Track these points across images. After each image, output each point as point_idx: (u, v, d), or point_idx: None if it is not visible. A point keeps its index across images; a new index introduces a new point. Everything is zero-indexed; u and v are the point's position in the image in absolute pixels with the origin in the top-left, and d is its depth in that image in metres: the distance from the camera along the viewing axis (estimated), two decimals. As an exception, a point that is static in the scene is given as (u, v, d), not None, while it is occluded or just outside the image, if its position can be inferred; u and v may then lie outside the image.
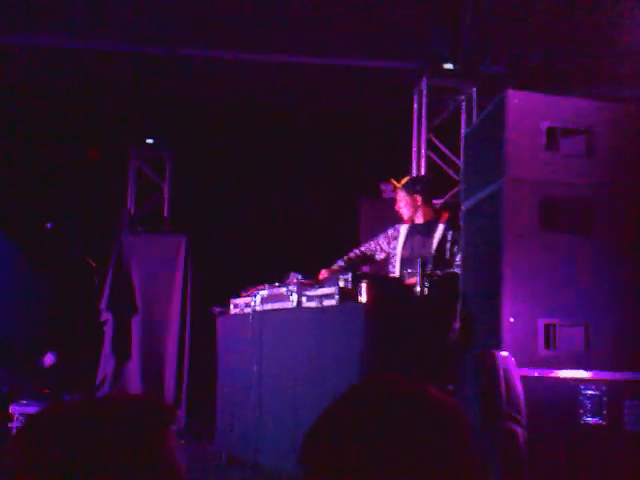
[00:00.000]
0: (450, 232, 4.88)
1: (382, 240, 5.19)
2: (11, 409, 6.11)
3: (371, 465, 0.90)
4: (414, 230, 5.03)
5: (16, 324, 7.28)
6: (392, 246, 5.11)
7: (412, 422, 0.93)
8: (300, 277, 4.96)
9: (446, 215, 5.05)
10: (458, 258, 4.65)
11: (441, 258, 4.79)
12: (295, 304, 4.76)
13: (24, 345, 7.03)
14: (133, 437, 0.98)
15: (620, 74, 6.46)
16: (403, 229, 5.11)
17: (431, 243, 4.91)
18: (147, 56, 6.90)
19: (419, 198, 5.01)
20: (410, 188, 5.02)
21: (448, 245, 4.87)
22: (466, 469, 0.94)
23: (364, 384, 1.05)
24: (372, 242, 5.27)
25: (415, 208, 5.01)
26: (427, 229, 4.97)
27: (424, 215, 5.02)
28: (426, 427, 0.93)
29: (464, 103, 6.66)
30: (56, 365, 6.86)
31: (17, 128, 7.60)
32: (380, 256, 5.19)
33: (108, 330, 6.92)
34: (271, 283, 5.10)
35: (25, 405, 6.17)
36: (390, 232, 5.17)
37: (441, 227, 4.94)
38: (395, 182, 5.11)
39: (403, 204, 5.03)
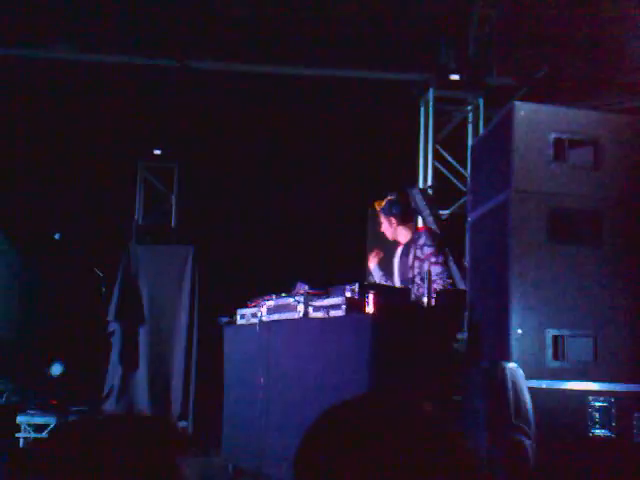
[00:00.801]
0: (417, 251, 4.99)
1: (372, 265, 5.33)
2: (18, 420, 6.12)
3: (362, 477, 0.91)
4: (403, 251, 5.20)
5: (24, 335, 7.30)
6: (379, 274, 5.29)
7: (404, 438, 0.94)
8: (307, 287, 4.96)
9: (421, 229, 5.22)
10: (432, 272, 4.68)
11: (401, 289, 4.78)
12: (302, 315, 4.75)
13: (31, 356, 7.05)
14: (148, 462, 0.99)
15: (627, 85, 6.46)
16: (397, 252, 5.27)
17: (407, 263, 5.05)
18: (155, 68, 6.95)
19: (394, 220, 5.17)
20: (386, 211, 5.18)
21: (417, 263, 4.97)
22: None
23: (359, 399, 1.05)
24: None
25: (393, 230, 5.17)
26: (407, 249, 5.11)
27: (405, 236, 5.18)
28: (417, 445, 0.93)
29: (471, 114, 6.67)
30: (63, 376, 6.87)
31: (26, 139, 7.65)
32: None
33: (115, 341, 6.93)
34: (278, 293, 5.10)
35: (32, 416, 6.18)
36: (395, 260, 5.30)
37: (412, 247, 5.05)
38: (376, 205, 5.26)
39: (384, 226, 5.21)
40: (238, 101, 7.50)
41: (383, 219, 5.18)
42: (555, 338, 3.36)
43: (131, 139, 7.73)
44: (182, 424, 6.71)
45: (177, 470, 1.03)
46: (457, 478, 0.93)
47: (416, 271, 4.92)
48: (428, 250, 4.90)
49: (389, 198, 5.16)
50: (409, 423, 0.96)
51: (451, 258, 5.00)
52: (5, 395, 6.42)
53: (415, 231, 5.21)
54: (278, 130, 7.69)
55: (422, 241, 4.97)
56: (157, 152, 7.81)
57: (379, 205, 5.20)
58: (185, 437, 1.08)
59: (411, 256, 5.00)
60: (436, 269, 4.80)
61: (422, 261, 4.91)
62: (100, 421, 1.07)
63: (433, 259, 4.88)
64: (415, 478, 0.91)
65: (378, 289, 4.33)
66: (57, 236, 6.84)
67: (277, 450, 4.81)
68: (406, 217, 5.22)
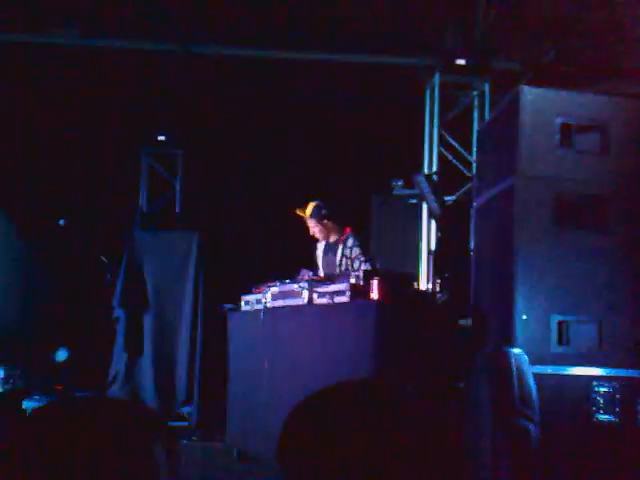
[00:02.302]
0: (348, 249, 5.25)
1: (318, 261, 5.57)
2: (24, 405, 6.16)
3: (344, 464, 0.91)
4: (327, 248, 5.44)
5: (29, 321, 7.32)
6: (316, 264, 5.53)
7: (383, 422, 0.93)
8: (311, 273, 4.96)
9: (346, 232, 5.38)
10: (356, 266, 5.07)
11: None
12: (306, 301, 4.75)
13: (37, 342, 7.08)
14: (118, 444, 0.99)
15: (634, 70, 6.40)
16: (320, 247, 5.51)
17: (335, 261, 5.29)
18: (160, 54, 6.92)
19: (328, 222, 5.39)
20: (317, 215, 5.36)
21: (345, 260, 5.23)
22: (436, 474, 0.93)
23: (341, 385, 1.05)
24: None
25: (327, 231, 5.40)
26: (334, 248, 5.36)
27: (335, 234, 5.40)
28: (399, 432, 0.93)
29: (476, 99, 6.63)
30: (69, 361, 6.90)
31: (31, 126, 7.64)
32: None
33: (120, 327, 6.95)
34: (282, 280, 5.10)
35: (38, 401, 6.21)
36: (317, 252, 5.57)
37: (340, 246, 5.30)
38: (301, 213, 5.41)
39: (317, 230, 5.39)
40: (243, 86, 7.47)
41: (314, 223, 5.37)
42: (560, 324, 3.35)
43: (135, 125, 7.71)
44: (186, 409, 6.74)
45: (149, 453, 1.01)
46: (435, 464, 0.93)
47: (343, 268, 5.22)
48: (357, 250, 5.21)
49: (315, 203, 5.38)
50: (390, 408, 0.96)
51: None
52: (11, 381, 6.46)
53: (344, 232, 5.41)
54: (283, 115, 7.66)
55: (350, 242, 5.26)
56: (161, 138, 7.79)
57: (303, 212, 5.40)
58: (158, 420, 1.07)
59: (339, 255, 5.26)
60: (366, 267, 5.05)
61: (352, 260, 5.20)
62: (71, 404, 1.06)
63: (362, 258, 5.18)
64: (393, 460, 0.91)
65: (382, 276, 4.32)
66: (62, 222, 6.84)
67: (281, 435, 4.82)
68: (336, 216, 5.46)
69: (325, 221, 5.37)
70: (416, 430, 0.93)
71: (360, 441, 0.91)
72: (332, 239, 5.42)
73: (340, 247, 5.29)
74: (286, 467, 0.96)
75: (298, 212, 5.44)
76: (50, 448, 0.97)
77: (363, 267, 5.05)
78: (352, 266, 5.18)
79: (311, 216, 5.37)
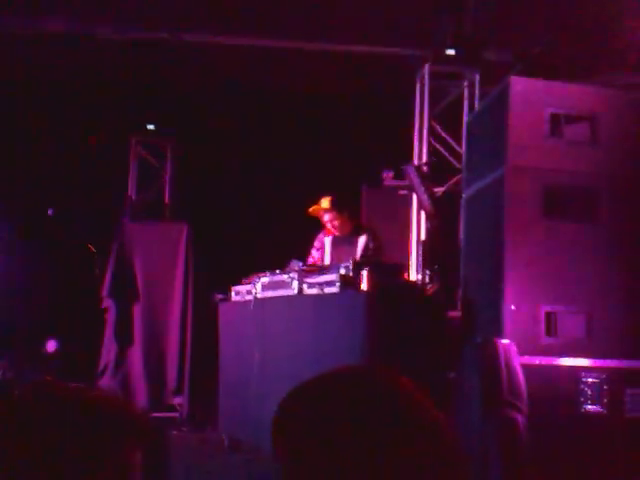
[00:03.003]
0: (371, 242, 5.30)
1: (313, 252, 5.60)
2: (14, 395, 6.13)
3: (341, 452, 0.90)
4: (338, 241, 5.45)
5: (18, 311, 7.29)
6: (317, 255, 5.55)
7: (383, 412, 0.93)
8: (301, 264, 4.96)
9: (366, 226, 5.52)
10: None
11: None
12: (296, 291, 4.76)
13: (26, 332, 7.05)
14: (97, 444, 0.95)
15: (624, 61, 6.41)
16: (327, 241, 5.50)
17: (355, 252, 5.27)
18: (149, 42, 6.86)
19: (346, 214, 5.43)
20: (338, 207, 5.39)
21: (370, 253, 5.26)
22: (436, 463, 0.93)
23: (337, 372, 1.04)
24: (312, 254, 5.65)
25: (344, 224, 5.42)
26: (350, 240, 5.38)
27: (348, 227, 5.44)
28: (397, 419, 0.92)
29: (466, 90, 6.61)
30: (58, 352, 6.88)
31: (18, 115, 7.58)
32: None
33: (110, 317, 6.93)
34: (272, 270, 5.10)
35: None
36: (316, 244, 5.60)
37: (363, 238, 5.32)
38: (317, 207, 5.44)
39: (337, 223, 5.40)
40: (232, 75, 7.43)
41: (334, 215, 5.37)
42: (548, 314, 3.37)
43: (124, 114, 7.65)
44: (177, 399, 6.74)
45: (126, 460, 0.97)
46: (428, 451, 0.92)
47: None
48: (377, 243, 5.32)
49: (332, 197, 5.41)
50: (382, 394, 0.95)
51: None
52: (1, 372, 6.43)
53: (361, 225, 5.52)
54: (272, 105, 7.62)
55: (372, 235, 5.34)
56: (150, 127, 7.73)
57: (318, 206, 5.42)
58: (142, 423, 1.02)
59: (360, 246, 5.28)
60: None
61: (372, 251, 5.26)
62: (42, 394, 1.02)
63: (379, 252, 5.26)
64: (384, 447, 0.90)
65: (372, 266, 4.33)
66: (50, 212, 6.79)
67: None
68: (350, 213, 5.53)
69: (344, 213, 5.40)
70: (415, 419, 0.93)
71: (357, 428, 0.91)
72: (345, 231, 5.43)
73: (362, 239, 5.30)
74: (281, 454, 0.95)
75: (313, 208, 5.46)
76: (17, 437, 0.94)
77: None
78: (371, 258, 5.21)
79: (332, 209, 5.38)
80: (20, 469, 0.93)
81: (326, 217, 5.43)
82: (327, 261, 5.40)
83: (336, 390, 0.96)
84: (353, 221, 5.51)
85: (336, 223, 5.40)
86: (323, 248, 5.53)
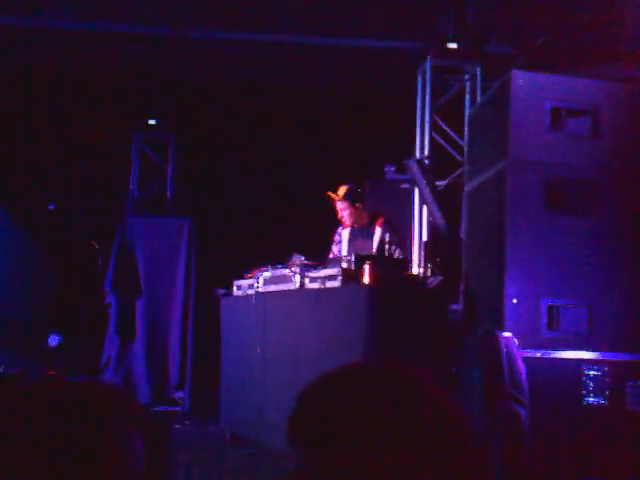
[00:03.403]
0: (387, 234, 5.25)
1: (333, 247, 5.54)
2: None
3: (363, 444, 0.90)
4: (355, 233, 5.39)
5: (20, 306, 7.31)
6: (336, 250, 5.48)
7: (405, 404, 0.93)
8: (303, 258, 4.96)
9: (381, 219, 5.39)
10: (396, 255, 5.13)
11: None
12: (298, 285, 4.76)
13: (29, 327, 7.07)
14: (96, 429, 0.94)
15: (626, 54, 6.39)
16: (345, 233, 5.45)
17: (371, 245, 5.25)
18: (150, 37, 6.85)
19: (359, 206, 5.35)
20: (351, 198, 5.32)
21: (387, 246, 5.23)
22: (458, 458, 0.93)
23: (357, 365, 1.04)
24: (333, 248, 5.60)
25: (357, 215, 5.35)
26: (366, 232, 5.32)
27: (363, 219, 5.37)
28: (411, 410, 0.92)
29: (468, 83, 6.60)
30: (61, 347, 6.90)
31: (21, 110, 7.58)
32: None
33: (112, 312, 6.94)
34: (274, 265, 5.10)
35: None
36: (335, 238, 5.53)
37: (379, 230, 5.28)
38: (333, 195, 5.36)
39: (347, 213, 5.33)
40: (234, 70, 7.42)
41: (345, 206, 5.31)
42: (550, 307, 3.37)
43: (126, 109, 7.65)
44: (179, 394, 6.76)
45: (126, 447, 0.96)
46: (451, 445, 0.92)
47: (385, 253, 5.23)
48: (394, 237, 5.27)
49: (349, 186, 5.35)
50: (404, 389, 0.95)
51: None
52: (3, 366, 6.45)
53: (378, 217, 5.41)
54: (273, 101, 7.61)
55: (389, 228, 5.28)
56: (152, 122, 7.73)
57: (335, 194, 5.35)
58: (140, 411, 1.02)
59: (376, 239, 5.24)
60: (401, 253, 5.19)
61: (389, 244, 5.22)
62: (32, 381, 1.02)
63: (395, 245, 5.23)
64: (406, 441, 0.90)
65: (374, 260, 4.33)
66: (52, 207, 6.80)
67: (274, 418, 4.85)
68: (365, 203, 5.48)
69: (357, 205, 5.33)
70: (436, 413, 0.93)
71: (378, 422, 0.90)
72: (361, 224, 5.36)
73: (378, 231, 5.26)
74: (299, 449, 0.95)
75: (329, 194, 5.38)
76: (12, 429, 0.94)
77: (396, 253, 5.11)
78: (389, 251, 5.19)
79: (344, 198, 5.30)
80: (22, 463, 0.93)
81: (338, 205, 5.36)
82: (344, 254, 5.33)
83: (356, 384, 0.96)
84: (369, 213, 5.42)
85: (346, 213, 5.32)
86: (342, 242, 5.48)
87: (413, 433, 0.91)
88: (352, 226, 5.39)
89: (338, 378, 0.98)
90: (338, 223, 5.52)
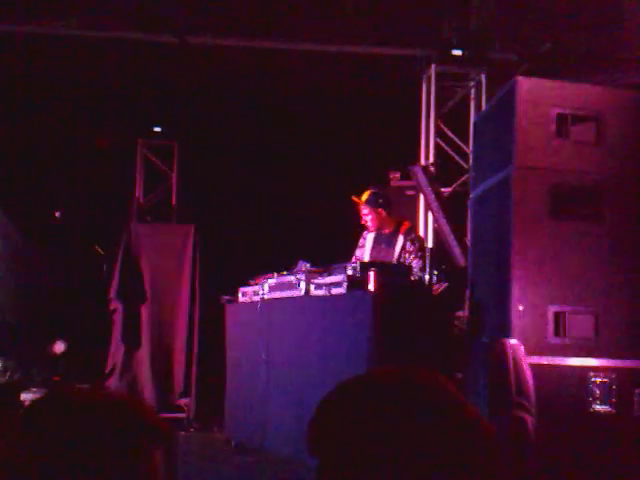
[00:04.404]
0: (408, 244, 5.22)
1: (357, 251, 5.50)
2: (22, 397, 6.16)
3: (383, 450, 0.90)
4: (380, 239, 5.36)
5: (26, 312, 7.32)
6: (359, 253, 5.45)
7: (430, 410, 0.93)
8: (308, 265, 4.95)
9: (406, 225, 5.37)
10: (414, 265, 5.02)
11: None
12: (303, 292, 4.76)
13: (34, 333, 7.07)
14: (120, 446, 0.96)
15: (631, 61, 6.39)
16: (370, 237, 5.42)
17: (393, 253, 5.22)
18: (155, 44, 6.88)
19: (382, 211, 5.30)
20: (373, 203, 5.28)
21: (406, 255, 5.19)
22: (482, 464, 0.93)
23: (378, 370, 1.04)
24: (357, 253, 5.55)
25: (380, 221, 5.30)
26: (390, 239, 5.29)
27: (388, 225, 5.33)
28: (432, 415, 0.92)
29: (473, 90, 6.61)
30: (66, 353, 6.90)
31: (26, 117, 7.61)
32: None
33: (117, 318, 6.94)
34: (279, 271, 5.10)
35: (36, 393, 6.22)
36: (360, 242, 5.50)
37: (401, 238, 5.25)
38: (357, 199, 5.33)
39: (369, 218, 5.30)
40: (238, 77, 7.44)
41: (369, 210, 5.27)
42: (556, 314, 3.36)
43: (130, 116, 7.67)
44: (184, 400, 6.75)
45: (150, 460, 0.98)
46: (473, 448, 0.92)
47: (401, 260, 5.18)
48: (416, 245, 5.22)
49: (372, 191, 5.31)
50: (424, 395, 0.95)
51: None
52: (8, 373, 6.46)
53: (402, 224, 5.38)
54: (279, 107, 7.63)
55: (412, 237, 5.25)
56: (157, 129, 7.76)
57: (359, 199, 5.31)
58: (167, 430, 1.04)
59: (398, 247, 5.20)
60: (419, 263, 5.06)
61: (409, 253, 5.17)
62: (71, 396, 1.03)
63: (416, 254, 5.17)
64: (430, 446, 0.90)
65: (379, 267, 4.33)
66: (58, 214, 6.82)
67: (279, 426, 4.85)
68: (391, 208, 5.40)
69: (380, 210, 5.28)
70: (457, 418, 0.93)
71: (401, 428, 0.90)
72: (386, 230, 5.32)
73: (400, 240, 5.22)
74: (319, 455, 0.95)
75: (354, 198, 5.34)
76: (49, 441, 0.96)
77: (415, 263, 5.04)
78: (406, 260, 5.15)
79: (366, 203, 5.27)
80: (41, 475, 0.94)
81: (362, 210, 5.30)
82: (366, 258, 5.30)
83: (378, 388, 0.96)
84: (396, 220, 5.37)
85: (368, 218, 5.27)
86: (365, 246, 5.44)
87: (434, 438, 0.90)
88: (378, 231, 5.34)
89: (358, 385, 0.98)
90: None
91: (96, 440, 0.96)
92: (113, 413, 1.00)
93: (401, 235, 5.25)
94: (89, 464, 0.94)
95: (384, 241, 5.31)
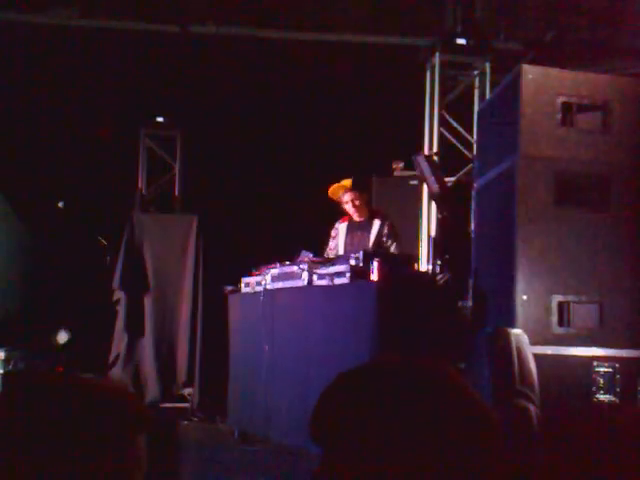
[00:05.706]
0: (385, 228, 5.21)
1: (330, 242, 5.47)
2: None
3: (386, 439, 0.89)
4: (353, 227, 5.33)
5: (29, 302, 7.33)
6: (333, 244, 5.42)
7: (432, 397, 0.92)
8: (311, 255, 4.95)
9: (381, 211, 5.39)
10: (392, 249, 5.08)
11: (379, 251, 4.94)
12: (306, 282, 4.75)
13: (38, 323, 7.09)
14: (102, 431, 0.97)
15: (636, 48, 6.35)
16: (342, 227, 5.39)
17: (368, 238, 5.20)
18: (158, 34, 6.85)
19: (366, 195, 5.37)
20: (361, 187, 5.30)
21: (384, 239, 5.18)
22: (486, 452, 0.92)
23: (380, 359, 1.03)
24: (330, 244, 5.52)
25: (366, 204, 5.31)
26: (366, 225, 5.27)
27: (364, 213, 5.31)
28: (435, 402, 0.92)
29: (477, 79, 6.57)
30: (69, 343, 6.92)
31: (29, 108, 7.59)
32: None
33: (121, 309, 6.95)
34: (282, 261, 5.09)
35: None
36: (332, 232, 5.47)
37: (377, 223, 5.23)
38: (337, 189, 5.29)
39: (358, 203, 5.25)
40: (241, 66, 7.41)
41: (355, 196, 5.23)
42: (560, 304, 3.35)
43: (133, 106, 7.65)
44: (187, 390, 6.76)
45: (132, 445, 0.99)
46: (480, 438, 0.91)
47: (383, 246, 5.17)
48: (392, 231, 5.23)
49: (353, 177, 5.29)
50: (427, 383, 0.94)
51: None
52: (12, 363, 6.47)
53: (377, 211, 5.40)
54: (282, 96, 7.60)
55: (388, 222, 5.24)
56: (160, 119, 7.74)
57: (340, 186, 5.28)
58: (144, 414, 1.04)
59: (374, 233, 5.19)
60: (397, 248, 5.13)
61: (386, 238, 5.18)
62: (69, 379, 1.04)
63: (391, 239, 5.18)
64: (433, 435, 0.89)
65: (383, 257, 4.32)
66: (61, 204, 6.82)
67: (282, 415, 4.85)
68: (368, 198, 5.47)
69: (364, 194, 5.30)
70: (462, 406, 0.92)
71: (403, 417, 0.90)
72: (360, 218, 5.30)
73: (376, 224, 5.21)
74: (323, 445, 0.95)
75: (333, 188, 5.30)
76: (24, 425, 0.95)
77: (392, 249, 5.07)
78: (384, 245, 5.15)
79: (353, 188, 5.23)
80: (24, 457, 0.94)
81: (346, 197, 5.25)
82: (341, 248, 5.30)
83: (380, 377, 0.96)
84: (369, 208, 5.40)
85: (357, 203, 5.23)
86: (338, 237, 5.44)
87: (437, 426, 0.90)
88: (350, 220, 5.35)
89: (359, 374, 0.98)
90: (337, 218, 5.48)
91: (77, 424, 0.96)
92: (94, 397, 1.00)
93: (377, 219, 5.23)
94: (72, 448, 0.94)
95: (358, 228, 5.29)
